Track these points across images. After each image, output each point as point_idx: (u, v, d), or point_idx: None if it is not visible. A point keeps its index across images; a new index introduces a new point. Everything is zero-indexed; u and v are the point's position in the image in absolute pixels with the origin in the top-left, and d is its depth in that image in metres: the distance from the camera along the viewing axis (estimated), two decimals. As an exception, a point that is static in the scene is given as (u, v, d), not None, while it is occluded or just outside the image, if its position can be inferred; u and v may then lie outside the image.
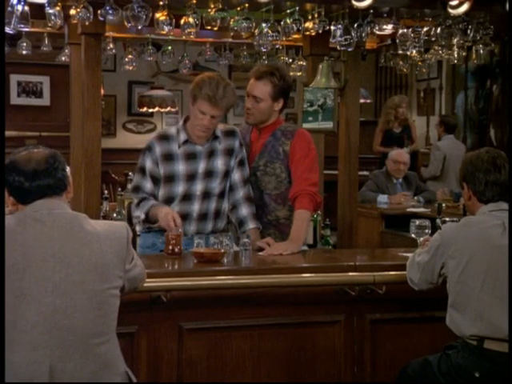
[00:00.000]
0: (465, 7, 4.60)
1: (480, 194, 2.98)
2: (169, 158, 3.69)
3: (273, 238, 3.73)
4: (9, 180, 2.42)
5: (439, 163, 7.69)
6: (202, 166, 3.72)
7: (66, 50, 5.95)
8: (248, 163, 3.85)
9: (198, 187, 3.72)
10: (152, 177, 3.70)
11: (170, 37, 5.65)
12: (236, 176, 3.79)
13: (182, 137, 3.70)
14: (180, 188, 3.71)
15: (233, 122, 8.72)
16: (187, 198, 3.72)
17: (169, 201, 3.71)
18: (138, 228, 3.87)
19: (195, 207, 3.73)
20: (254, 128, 3.93)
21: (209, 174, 3.73)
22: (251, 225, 3.77)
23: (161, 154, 3.69)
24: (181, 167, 3.70)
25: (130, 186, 5.24)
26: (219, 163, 3.74)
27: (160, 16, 4.46)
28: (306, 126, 5.18)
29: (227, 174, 3.77)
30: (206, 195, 3.74)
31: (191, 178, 3.71)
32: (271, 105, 3.83)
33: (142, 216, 3.66)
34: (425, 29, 4.98)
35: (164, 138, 3.72)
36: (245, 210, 3.78)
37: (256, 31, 4.75)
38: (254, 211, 3.80)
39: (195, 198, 3.72)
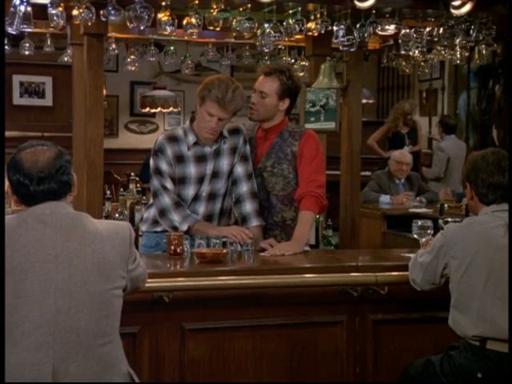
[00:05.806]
0: (467, 7, 4.60)
1: (482, 195, 2.96)
2: (180, 159, 3.67)
3: (278, 240, 3.72)
4: (13, 179, 2.39)
5: (443, 165, 7.68)
6: (209, 168, 3.70)
7: (69, 51, 5.95)
8: (254, 164, 3.83)
9: (205, 188, 3.71)
10: (171, 178, 3.66)
11: (173, 37, 5.64)
12: (239, 169, 3.76)
13: (191, 138, 3.67)
14: (191, 190, 3.70)
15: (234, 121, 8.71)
16: (195, 199, 3.71)
17: None
18: (143, 228, 3.86)
19: (202, 209, 3.72)
20: (260, 128, 3.92)
21: (215, 174, 3.72)
22: (254, 222, 3.74)
23: (172, 156, 3.66)
24: (192, 169, 3.68)
25: (131, 185, 5.25)
26: (225, 163, 3.73)
27: (162, 16, 4.47)
28: (308, 126, 5.19)
29: (231, 172, 3.76)
30: (212, 196, 3.73)
31: (201, 179, 3.70)
32: (276, 103, 3.81)
33: (185, 227, 3.57)
34: (427, 29, 4.97)
35: (173, 139, 3.68)
36: (248, 206, 3.75)
37: (258, 32, 4.75)
38: (257, 207, 3.76)
39: (202, 199, 3.72)
